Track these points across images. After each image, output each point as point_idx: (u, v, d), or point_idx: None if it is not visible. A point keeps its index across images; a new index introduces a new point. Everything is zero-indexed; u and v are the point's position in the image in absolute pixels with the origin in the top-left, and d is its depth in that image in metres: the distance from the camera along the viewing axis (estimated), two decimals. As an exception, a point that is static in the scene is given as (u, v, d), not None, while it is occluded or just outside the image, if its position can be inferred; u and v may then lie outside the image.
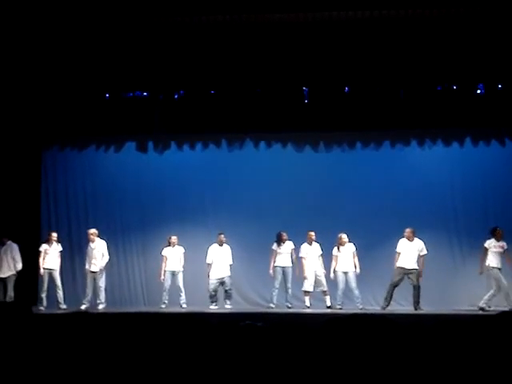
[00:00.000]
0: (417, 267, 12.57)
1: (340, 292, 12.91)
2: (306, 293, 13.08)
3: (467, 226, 13.49)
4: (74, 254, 13.39)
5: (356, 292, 12.88)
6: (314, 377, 2.52)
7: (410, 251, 12.62)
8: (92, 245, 13.21)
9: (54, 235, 13.26)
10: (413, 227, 12.82)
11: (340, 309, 12.63)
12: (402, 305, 13.11)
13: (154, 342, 2.84)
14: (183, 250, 13.43)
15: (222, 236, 13.37)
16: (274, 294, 13.19)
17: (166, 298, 13.27)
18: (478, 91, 13.45)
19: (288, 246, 13.25)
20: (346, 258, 12.91)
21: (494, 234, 12.46)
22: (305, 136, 14.26)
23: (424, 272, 12.77)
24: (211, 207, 14.35)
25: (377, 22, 12.31)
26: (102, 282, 13.10)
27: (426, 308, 12.39)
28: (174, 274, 13.32)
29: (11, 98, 13.39)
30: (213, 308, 13.00)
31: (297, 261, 13.20)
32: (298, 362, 2.64)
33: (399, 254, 12.63)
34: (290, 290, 13.17)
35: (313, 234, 13.19)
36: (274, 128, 13.82)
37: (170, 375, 2.71)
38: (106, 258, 13.25)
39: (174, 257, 13.40)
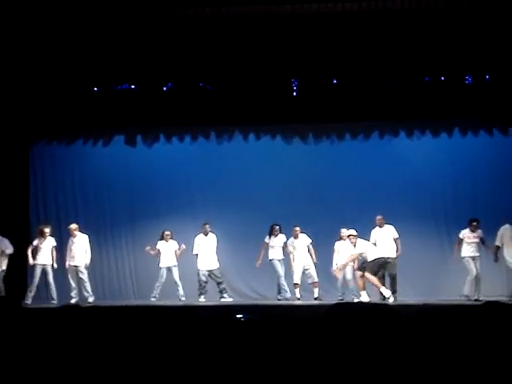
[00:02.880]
0: (394, 255, 12.69)
1: (339, 283, 13.00)
2: (296, 285, 13.12)
3: (456, 215, 13.54)
4: (64, 248, 13.33)
5: (350, 284, 12.92)
6: (311, 367, 2.53)
7: (384, 238, 12.81)
8: (74, 239, 13.17)
9: (47, 230, 13.21)
10: (398, 217, 13.02)
11: (342, 299, 12.64)
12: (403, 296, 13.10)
13: (146, 335, 2.84)
14: (177, 245, 13.40)
15: (207, 226, 13.37)
16: (283, 283, 13.19)
17: (157, 292, 13.24)
18: (466, 82, 13.49)
19: (280, 239, 13.28)
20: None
21: (469, 224, 12.74)
22: (294, 128, 14.28)
23: (412, 261, 12.91)
24: (200, 200, 14.34)
25: (365, 14, 12.30)
26: (85, 276, 13.06)
27: (415, 298, 12.43)
28: (169, 269, 13.31)
29: (-1, 92, 13.33)
30: (201, 301, 12.99)
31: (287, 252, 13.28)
32: (291, 354, 2.65)
33: (375, 243, 12.77)
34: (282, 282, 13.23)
35: (298, 229, 13.22)
36: (262, 120, 13.84)
37: (161, 368, 2.71)
38: (89, 253, 13.19)
39: (168, 251, 13.37)
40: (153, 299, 13.16)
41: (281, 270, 13.24)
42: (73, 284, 13.05)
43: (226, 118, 13.87)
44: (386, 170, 14.04)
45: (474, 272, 12.58)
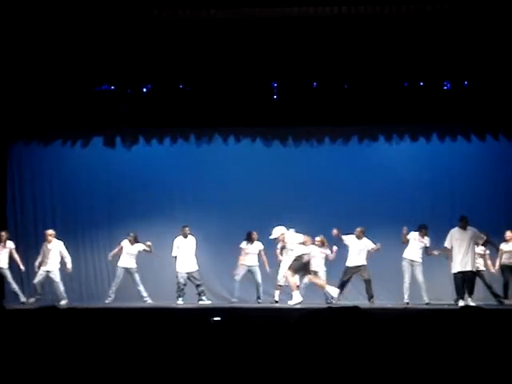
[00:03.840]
0: (365, 263, 12.84)
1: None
2: (279, 287, 13.10)
3: (434, 221, 13.58)
4: (40, 250, 13.24)
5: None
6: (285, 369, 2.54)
7: (358, 249, 12.87)
8: (49, 245, 13.10)
9: (3, 233, 13.16)
10: (376, 220, 13.20)
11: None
12: (379, 299, 13.17)
13: (125, 337, 2.84)
14: (142, 247, 13.32)
15: (187, 229, 13.32)
16: (236, 286, 13.25)
17: (113, 291, 13.23)
18: (445, 87, 13.60)
19: (256, 246, 13.29)
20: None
21: (419, 229, 12.81)
22: (273, 131, 14.31)
23: (389, 266, 13.16)
24: (179, 202, 14.32)
25: (344, 19, 12.38)
26: (58, 279, 13.01)
27: (389, 302, 12.50)
28: (128, 271, 13.25)
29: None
30: (180, 303, 12.95)
31: (266, 258, 13.21)
32: (267, 356, 2.65)
33: (349, 250, 12.90)
34: (261, 288, 13.21)
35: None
36: (242, 123, 13.86)
37: (138, 369, 2.71)
38: (68, 257, 13.12)
39: (129, 253, 13.32)
40: (108, 300, 13.08)
41: (241, 275, 13.22)
42: (38, 289, 13.00)
43: (205, 121, 13.86)
44: (365, 174, 14.11)
45: (407, 278, 12.72)
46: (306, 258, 12.20)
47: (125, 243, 13.34)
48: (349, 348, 2.42)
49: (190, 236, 13.38)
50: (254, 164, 14.27)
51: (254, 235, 13.24)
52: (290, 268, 12.14)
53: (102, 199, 14.36)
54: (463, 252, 12.16)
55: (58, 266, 13.07)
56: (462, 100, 13.44)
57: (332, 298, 12.37)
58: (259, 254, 13.27)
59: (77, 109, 13.73)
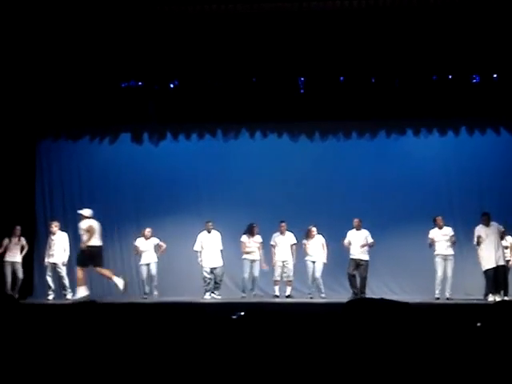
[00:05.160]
0: (366, 258, 12.85)
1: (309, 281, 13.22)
2: (276, 282, 13.21)
3: (462, 214, 13.50)
4: (70, 244, 13.36)
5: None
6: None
7: (358, 241, 12.91)
8: (53, 237, 13.23)
9: (18, 228, 13.33)
10: (404, 215, 13.26)
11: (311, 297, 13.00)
12: (395, 293, 13.13)
13: (150, 332, 2.84)
14: (157, 241, 13.49)
15: (210, 224, 13.36)
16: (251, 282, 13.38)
17: (145, 289, 13.42)
18: (474, 81, 13.46)
19: (257, 239, 13.34)
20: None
21: (434, 222, 12.79)
22: (300, 126, 14.27)
23: (416, 259, 13.13)
24: (206, 197, 14.35)
25: (372, 11, 12.27)
26: (64, 273, 13.12)
27: (422, 297, 12.42)
28: (148, 266, 13.45)
29: (6, 89, 13.32)
30: (207, 298, 12.99)
31: (262, 252, 13.28)
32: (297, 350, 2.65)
33: (349, 244, 12.93)
34: (256, 282, 13.35)
35: (284, 224, 13.24)
36: (269, 118, 13.83)
37: (167, 364, 2.71)
38: (68, 251, 13.27)
39: (147, 249, 13.49)
40: (145, 296, 13.23)
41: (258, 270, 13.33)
42: (50, 282, 13.14)
43: (232, 116, 13.86)
44: (392, 169, 14.02)
45: (440, 272, 12.65)
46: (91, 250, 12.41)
47: (139, 241, 13.44)
48: (387, 341, 2.40)
49: (214, 231, 13.41)
50: (280, 159, 14.24)
51: (255, 228, 13.26)
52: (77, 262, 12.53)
53: (129, 195, 14.44)
54: (494, 248, 12.11)
55: (65, 258, 13.18)
56: (491, 94, 13.28)
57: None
58: (258, 248, 13.34)
59: (104, 105, 13.82)
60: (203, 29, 12.73)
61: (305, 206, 13.66)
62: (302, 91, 13.69)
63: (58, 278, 13.17)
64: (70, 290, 13.06)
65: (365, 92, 13.45)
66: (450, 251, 12.71)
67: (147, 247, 13.53)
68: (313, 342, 2.57)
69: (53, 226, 13.29)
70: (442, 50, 12.65)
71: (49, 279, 13.16)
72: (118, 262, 14.42)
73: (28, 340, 2.78)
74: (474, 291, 12.62)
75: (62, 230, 13.39)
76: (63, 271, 13.11)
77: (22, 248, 13.40)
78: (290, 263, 13.18)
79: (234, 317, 3.20)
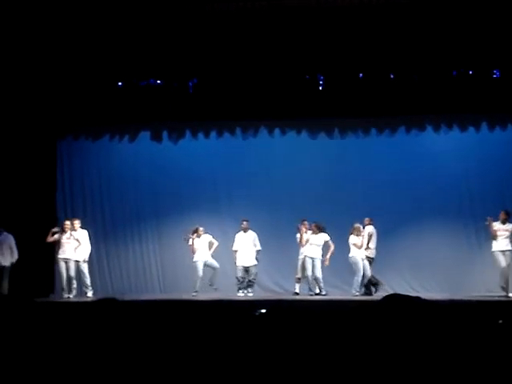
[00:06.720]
0: (372, 256, 12.88)
1: (359, 278, 12.82)
2: (298, 279, 13.16)
3: (483, 211, 13.36)
4: (92, 242, 13.45)
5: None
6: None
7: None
8: (74, 234, 13.14)
9: (67, 223, 13.33)
10: (424, 211, 13.24)
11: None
12: (416, 291, 13.06)
13: (173, 329, 2.85)
14: (210, 238, 13.41)
15: (245, 223, 13.35)
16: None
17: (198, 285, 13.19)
18: (494, 76, 13.32)
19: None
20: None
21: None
22: (319, 123, 14.22)
23: (438, 257, 13.14)
24: (225, 195, 14.37)
25: (391, 7, 12.21)
26: (86, 270, 13.13)
27: (442, 294, 12.35)
28: (205, 263, 13.33)
29: (26, 89, 13.42)
30: (240, 295, 12.99)
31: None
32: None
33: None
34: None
35: (306, 223, 13.04)
36: (288, 115, 13.79)
37: (186, 362, 2.72)
38: (89, 248, 13.25)
39: (201, 246, 13.35)
40: (194, 294, 12.97)
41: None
42: (65, 280, 13.13)
43: (251, 114, 13.85)
44: (413, 165, 13.93)
45: (503, 265, 12.31)
46: None
47: (194, 240, 13.34)
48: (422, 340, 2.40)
49: (249, 231, 13.39)
50: (299, 156, 14.21)
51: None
52: None
53: (149, 193, 14.49)
54: None
55: (86, 255, 13.18)
56: (512, 88, 13.16)
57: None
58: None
59: (124, 104, 13.86)
60: (222, 27, 12.74)
61: (323, 203, 13.60)
62: (321, 88, 13.65)
63: (78, 275, 13.17)
64: (90, 288, 13.14)
65: (384, 88, 13.37)
66: (509, 247, 12.45)
67: (201, 245, 13.38)
68: (343, 339, 2.56)
69: (75, 223, 13.31)
70: (461, 45, 12.55)
71: (71, 276, 13.11)
72: (138, 260, 14.47)
73: (45, 339, 2.79)
74: (496, 288, 12.51)
75: (82, 228, 13.45)
76: (85, 268, 13.15)
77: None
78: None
79: (256, 314, 3.19)
